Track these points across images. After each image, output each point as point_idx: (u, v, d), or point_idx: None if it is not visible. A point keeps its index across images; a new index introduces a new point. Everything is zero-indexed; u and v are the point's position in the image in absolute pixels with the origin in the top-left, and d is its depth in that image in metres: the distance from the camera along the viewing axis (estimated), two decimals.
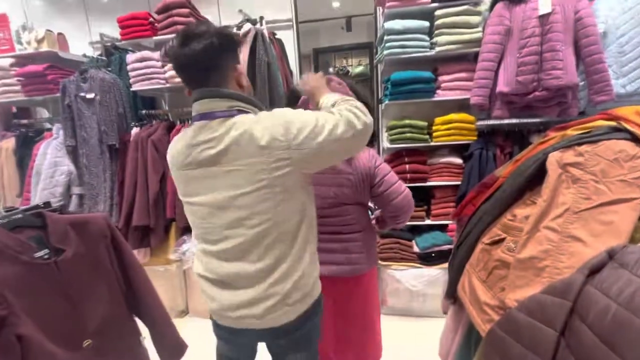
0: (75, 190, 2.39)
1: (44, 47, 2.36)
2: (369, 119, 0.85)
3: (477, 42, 1.91)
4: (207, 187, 0.84)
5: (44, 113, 2.83)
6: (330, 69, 5.48)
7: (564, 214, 0.68)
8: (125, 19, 2.21)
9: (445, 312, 1.04)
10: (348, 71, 5.40)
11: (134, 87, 2.28)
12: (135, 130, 2.24)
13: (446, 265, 1.12)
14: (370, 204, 1.37)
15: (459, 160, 2.09)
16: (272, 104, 2.07)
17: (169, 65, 2.16)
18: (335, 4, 4.54)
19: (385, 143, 2.29)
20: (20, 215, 0.88)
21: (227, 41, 0.81)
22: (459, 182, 2.09)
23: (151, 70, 2.18)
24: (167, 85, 2.25)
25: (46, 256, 0.89)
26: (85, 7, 2.69)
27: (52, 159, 2.30)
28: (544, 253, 0.67)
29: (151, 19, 2.21)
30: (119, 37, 2.32)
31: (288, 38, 2.48)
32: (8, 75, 2.39)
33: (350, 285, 1.27)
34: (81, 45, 2.66)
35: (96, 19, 2.68)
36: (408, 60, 2.05)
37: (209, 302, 0.95)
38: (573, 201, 0.68)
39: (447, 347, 1.06)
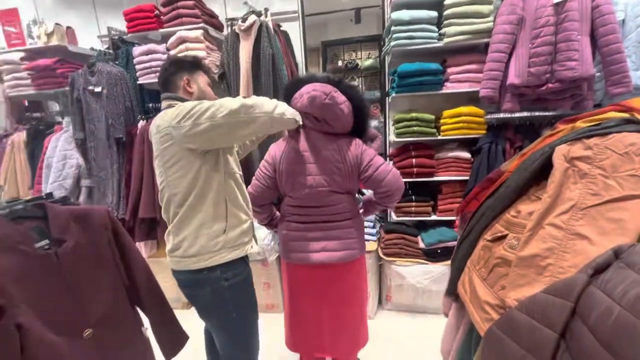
0: (85, 182, 2.43)
1: (54, 41, 2.39)
2: (250, 102, 1.05)
3: (488, 32, 1.85)
4: None
5: (55, 106, 2.88)
6: (339, 63, 5.42)
7: (570, 211, 0.65)
8: (131, 12, 2.21)
9: (446, 314, 1.02)
10: (357, 64, 5.32)
11: (141, 80, 2.29)
12: (141, 124, 2.26)
13: None
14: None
15: (467, 155, 2.05)
16: (276, 96, 2.05)
17: None
18: None
19: (391, 136, 2.25)
20: (21, 206, 0.89)
21: (177, 65, 1.18)
22: (467, 177, 2.04)
23: (157, 63, 2.19)
24: None
25: (47, 247, 0.91)
26: (94, 0, 2.70)
27: (62, 152, 2.34)
28: (547, 251, 0.64)
29: (157, 12, 2.21)
30: (126, 30, 2.34)
31: (294, 30, 2.45)
32: (19, 69, 2.43)
33: (344, 271, 1.29)
34: (90, 38, 2.68)
35: (104, 13, 2.69)
36: (416, 52, 2.00)
37: None
38: (580, 197, 0.65)
39: (449, 345, 1.04)
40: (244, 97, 1.10)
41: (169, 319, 1.14)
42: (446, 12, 1.88)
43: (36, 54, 2.49)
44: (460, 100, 2.05)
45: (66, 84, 2.33)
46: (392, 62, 2.23)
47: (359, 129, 1.27)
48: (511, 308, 0.63)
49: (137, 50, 2.24)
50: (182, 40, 2.14)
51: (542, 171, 0.76)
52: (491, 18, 1.85)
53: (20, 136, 2.53)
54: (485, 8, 1.84)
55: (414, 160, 2.08)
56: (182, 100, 1.14)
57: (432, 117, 2.04)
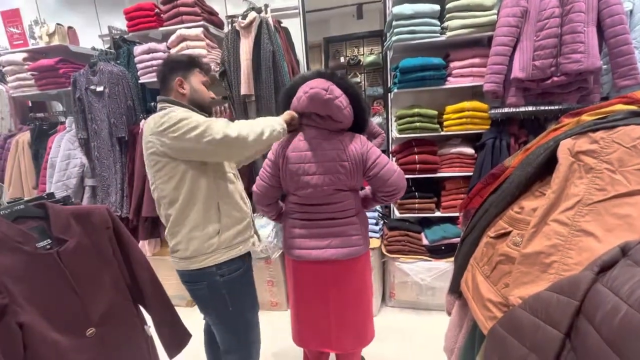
0: (88, 182, 2.45)
1: (55, 42, 2.40)
2: (235, 134, 1.07)
3: (492, 25, 1.82)
4: None
5: (59, 106, 2.90)
6: (342, 59, 5.38)
7: (575, 206, 0.63)
8: (131, 10, 2.21)
9: (449, 312, 1.01)
10: (360, 60, 5.29)
11: (142, 79, 2.29)
12: (143, 123, 2.26)
13: None
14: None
15: (470, 151, 2.02)
16: (277, 93, 2.05)
17: None
18: None
19: (394, 133, 2.23)
20: (22, 206, 0.89)
21: (170, 65, 1.17)
22: (470, 173, 2.02)
23: (158, 62, 2.19)
24: None
25: (48, 246, 0.91)
26: (95, 0, 2.70)
27: (65, 151, 2.36)
28: (552, 248, 0.63)
29: (157, 10, 2.20)
30: (127, 29, 2.33)
31: (295, 27, 2.43)
32: (22, 69, 2.44)
33: (349, 267, 1.28)
34: (91, 38, 2.69)
35: (105, 12, 2.69)
36: (418, 47, 1.98)
37: None
38: (585, 192, 0.63)
39: (452, 343, 1.03)
40: (243, 121, 1.12)
41: (172, 317, 1.14)
42: (448, 5, 1.85)
43: (38, 55, 2.50)
44: (463, 95, 2.02)
45: (68, 84, 2.33)
46: (394, 58, 2.21)
47: (358, 123, 1.26)
48: (515, 306, 0.62)
49: (137, 49, 2.24)
50: (183, 39, 2.13)
51: (547, 166, 0.75)
52: (495, 11, 1.82)
53: (25, 136, 2.55)
54: (488, 0, 1.81)
55: (416, 156, 2.06)
56: (174, 103, 1.14)
57: (435, 112, 2.02)
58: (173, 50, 2.19)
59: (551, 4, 1.63)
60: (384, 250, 2.20)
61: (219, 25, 2.36)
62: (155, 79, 2.26)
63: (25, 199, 0.94)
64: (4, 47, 2.60)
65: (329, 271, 1.26)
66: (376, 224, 2.31)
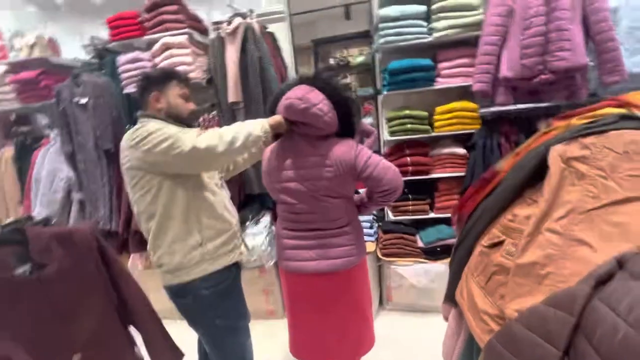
0: (76, 196, 2.39)
1: (36, 53, 2.34)
2: (203, 145, 1.05)
3: (478, 25, 1.82)
4: None
5: (43, 119, 2.82)
6: (331, 60, 5.37)
7: (569, 215, 0.62)
8: (113, 19, 2.17)
9: (446, 318, 0.99)
10: (349, 61, 5.28)
11: (127, 89, 2.25)
12: None
13: None
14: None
15: (462, 151, 2.02)
16: (265, 99, 2.02)
17: (161, 65, 2.13)
18: None
19: (385, 135, 2.22)
20: None
21: (146, 81, 1.18)
22: (463, 174, 2.01)
23: (142, 71, 2.14)
24: None
25: (28, 272, 0.87)
26: (77, 10, 2.65)
27: (50, 165, 2.30)
28: (547, 258, 0.61)
29: (140, 18, 2.16)
30: (109, 39, 2.28)
31: (282, 31, 2.40)
32: (3, 82, 2.38)
33: (344, 278, 1.25)
34: (74, 49, 2.62)
35: (87, 22, 2.63)
36: (406, 48, 1.97)
37: None
38: (578, 200, 0.62)
39: (450, 351, 1.01)
40: (214, 131, 1.10)
41: (162, 337, 1.11)
42: (434, 6, 1.85)
43: (20, 67, 2.43)
44: (453, 96, 2.01)
45: (51, 96, 2.27)
46: (382, 59, 2.20)
47: (346, 127, 1.22)
48: (511, 320, 0.60)
49: (121, 58, 2.19)
50: (167, 47, 2.09)
51: (538, 171, 0.73)
52: (481, 10, 1.82)
53: (8, 152, 2.48)
54: (474, 0, 1.81)
55: (408, 158, 2.05)
56: (151, 117, 1.14)
57: (425, 113, 2.01)
58: (158, 59, 2.15)
59: (536, 2, 1.64)
60: (379, 254, 2.18)
61: (204, 32, 2.32)
62: None
63: (1, 224, 0.91)
64: None
65: (322, 284, 1.24)
66: (370, 227, 2.29)
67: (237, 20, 2.02)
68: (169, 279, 1.14)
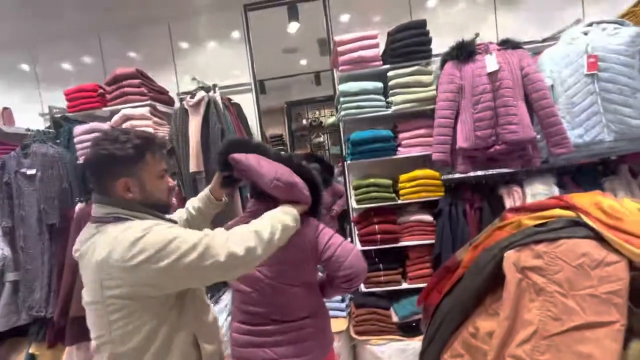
0: (10, 276, 2.11)
1: None
2: (242, 251, 0.84)
3: (432, 99, 1.91)
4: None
5: None
6: (304, 121, 5.57)
7: (532, 339, 0.55)
8: (72, 92, 2.13)
9: None
10: (321, 122, 5.49)
11: (82, 160, 2.13)
12: (79, 206, 2.05)
13: None
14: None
15: (429, 218, 1.99)
16: None
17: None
18: (303, 62, 4.71)
19: (353, 203, 2.18)
20: None
21: (108, 162, 0.87)
22: (432, 241, 1.96)
23: (98, 140, 2.05)
24: None
25: None
26: (37, 78, 2.62)
27: None
28: None
29: (101, 91, 2.14)
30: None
31: (248, 100, 2.45)
32: None
33: None
34: (32, 116, 2.54)
35: (48, 89, 2.60)
36: (367, 119, 2.03)
37: None
38: (540, 322, 0.55)
39: None
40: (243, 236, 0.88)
41: None
42: (390, 83, 1.95)
43: None
44: (416, 163, 2.05)
45: None
46: (346, 128, 2.25)
47: (312, 207, 1.14)
48: None
49: (78, 129, 2.11)
50: (127, 118, 2.05)
51: (494, 277, 0.68)
52: (433, 87, 1.93)
53: None
54: (425, 78, 1.93)
55: (376, 226, 1.99)
56: (126, 208, 0.86)
57: (389, 182, 2.01)
58: None
59: (482, 81, 1.75)
60: (352, 332, 2.00)
61: (169, 103, 2.33)
62: None
63: None
64: None
65: None
66: (342, 301, 2.14)
67: (201, 94, 2.04)
68: None
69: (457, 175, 1.94)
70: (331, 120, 5.44)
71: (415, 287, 2.01)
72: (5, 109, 2.38)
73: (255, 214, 1.04)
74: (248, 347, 1.12)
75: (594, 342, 0.50)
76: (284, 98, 5.43)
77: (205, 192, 1.23)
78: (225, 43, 2.49)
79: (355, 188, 2.05)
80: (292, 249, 1.04)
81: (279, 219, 0.95)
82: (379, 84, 1.96)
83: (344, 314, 2.09)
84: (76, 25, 2.49)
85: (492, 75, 1.75)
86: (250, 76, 2.46)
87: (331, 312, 1.67)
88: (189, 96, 2.09)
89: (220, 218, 1.37)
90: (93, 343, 0.86)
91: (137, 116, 2.05)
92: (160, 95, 2.24)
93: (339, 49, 1.95)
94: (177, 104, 2.36)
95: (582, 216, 0.61)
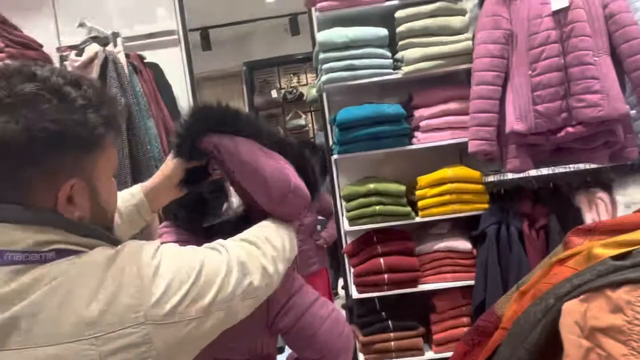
0: None
1: None
2: (272, 265, 0.87)
3: (466, 54, 1.92)
4: None
5: None
6: (274, 92, 5.54)
7: None
8: None
9: None
10: (301, 94, 5.46)
11: None
12: None
13: None
14: None
15: (466, 245, 2.01)
16: (135, 167, 1.99)
17: None
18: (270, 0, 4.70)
19: (344, 223, 2.16)
20: None
21: (33, 149, 0.72)
22: (471, 282, 1.96)
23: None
24: None
25: None
26: None
27: None
28: None
29: None
30: None
31: (175, 57, 2.42)
32: None
33: None
34: None
35: None
36: (364, 85, 2.02)
37: None
38: None
39: None
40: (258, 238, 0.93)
41: None
42: (400, 29, 1.94)
43: None
44: (443, 158, 2.04)
45: None
46: (331, 101, 2.25)
47: None
48: None
49: None
50: None
51: (551, 341, 0.66)
52: (468, 35, 1.93)
53: None
54: (456, 20, 1.93)
55: (382, 259, 1.99)
56: (73, 230, 0.76)
57: (402, 187, 2.01)
58: None
59: (544, 25, 1.75)
60: None
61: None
62: None
63: None
64: None
65: None
66: None
67: (93, 48, 2.00)
68: None
69: (508, 176, 1.94)
70: (315, 91, 5.44)
71: (443, 357, 2.01)
72: None
73: None
74: None
75: None
76: (241, 57, 5.41)
77: (136, 191, 1.14)
78: None
79: (348, 199, 2.04)
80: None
81: (286, 234, 1.00)
82: (382, 31, 1.95)
83: None
84: None
85: (560, 16, 1.75)
86: (177, 20, 2.42)
87: None
88: (73, 52, 2.07)
89: None
90: None
91: None
92: (27, 50, 2.20)
93: None
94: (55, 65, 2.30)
95: None
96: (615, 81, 1.71)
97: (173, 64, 2.40)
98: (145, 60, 2.25)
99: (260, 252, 0.88)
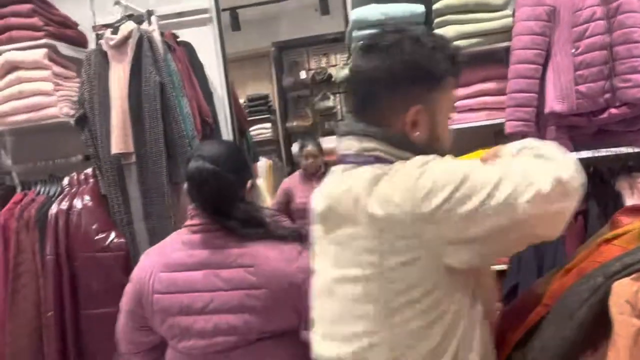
0: None
1: None
2: (566, 173, 0.80)
3: (506, 32, 1.88)
4: (321, 259, 0.98)
5: None
6: (303, 73, 5.53)
7: None
8: None
9: None
10: (330, 75, 5.43)
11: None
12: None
13: None
14: None
15: None
16: (170, 149, 2.04)
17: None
18: None
19: None
20: None
21: (402, 73, 0.92)
22: (504, 266, 1.94)
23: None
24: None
25: None
26: None
27: None
28: None
29: None
30: None
31: (207, 38, 2.45)
32: None
33: None
34: None
35: None
36: None
37: None
38: None
39: None
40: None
41: None
42: (437, 6, 1.92)
43: None
44: (478, 139, 2.00)
45: None
46: None
47: None
48: None
49: None
50: (12, 67, 2.11)
51: (599, 321, 0.66)
52: (508, 11, 1.90)
53: None
54: None
55: None
56: (401, 146, 0.90)
57: None
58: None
59: (589, 1, 1.71)
60: None
61: (78, 42, 2.38)
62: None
63: None
64: None
65: None
66: None
67: (128, 26, 2.04)
68: None
69: None
70: (345, 71, 5.41)
71: None
72: None
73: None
74: None
75: None
76: (270, 37, 5.40)
77: None
78: None
79: None
80: (256, 288, 1.15)
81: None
82: (419, 8, 1.94)
83: None
84: None
85: None
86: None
87: None
88: (109, 30, 2.10)
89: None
90: None
91: (28, 64, 2.09)
92: (64, 29, 2.27)
93: None
94: (91, 44, 2.37)
95: None
96: None
97: (204, 44, 2.42)
98: (178, 40, 2.28)
99: (547, 163, 0.83)
